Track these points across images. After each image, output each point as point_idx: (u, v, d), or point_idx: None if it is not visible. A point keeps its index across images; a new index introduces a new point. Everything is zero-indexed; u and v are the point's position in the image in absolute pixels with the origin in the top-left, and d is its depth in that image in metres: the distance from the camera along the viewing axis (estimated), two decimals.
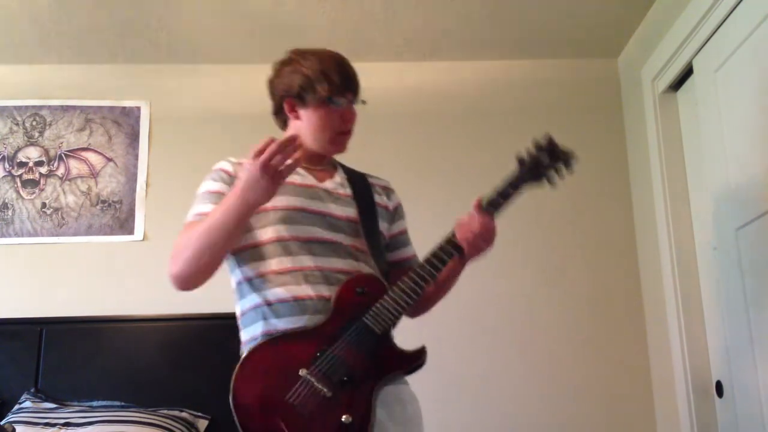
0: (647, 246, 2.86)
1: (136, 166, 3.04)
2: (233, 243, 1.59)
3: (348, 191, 1.74)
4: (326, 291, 1.59)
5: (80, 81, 3.12)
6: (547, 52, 3.12)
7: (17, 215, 2.96)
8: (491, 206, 1.66)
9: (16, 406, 2.54)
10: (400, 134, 3.09)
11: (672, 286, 2.62)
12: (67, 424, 2.40)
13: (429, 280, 1.58)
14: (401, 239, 1.84)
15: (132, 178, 3.02)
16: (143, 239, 2.95)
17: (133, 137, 3.07)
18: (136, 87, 3.12)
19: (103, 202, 2.99)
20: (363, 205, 1.73)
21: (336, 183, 1.74)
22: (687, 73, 2.59)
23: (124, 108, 3.10)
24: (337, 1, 2.73)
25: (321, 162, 1.77)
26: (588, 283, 2.93)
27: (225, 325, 2.80)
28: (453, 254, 1.62)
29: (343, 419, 1.46)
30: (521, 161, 1.70)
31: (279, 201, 1.61)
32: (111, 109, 3.10)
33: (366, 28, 2.92)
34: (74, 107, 3.09)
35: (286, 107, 1.75)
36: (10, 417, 2.46)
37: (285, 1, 2.72)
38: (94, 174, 3.03)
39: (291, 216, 1.63)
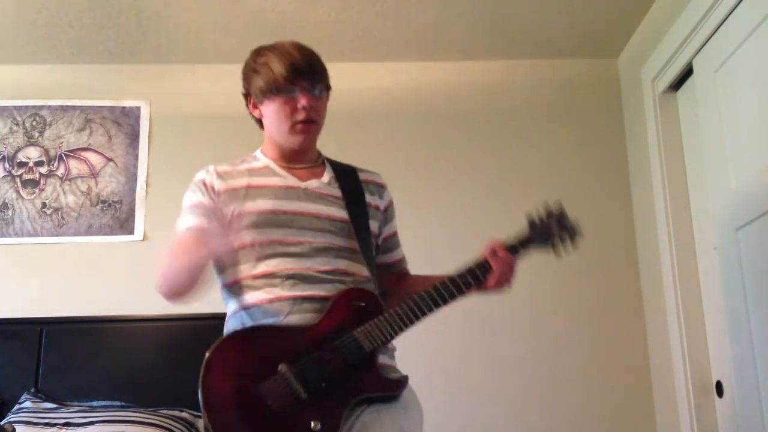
0: (647, 246, 2.86)
1: (136, 166, 3.04)
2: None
3: (336, 191, 1.68)
4: (304, 291, 1.55)
5: (80, 81, 3.11)
6: (547, 52, 3.12)
7: (17, 215, 2.96)
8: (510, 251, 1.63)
9: (16, 406, 2.54)
10: (399, 134, 3.09)
11: (672, 286, 2.62)
12: (67, 424, 2.39)
13: (431, 309, 1.54)
14: (392, 242, 1.81)
15: (132, 178, 3.02)
16: (143, 239, 2.95)
17: (133, 137, 3.07)
18: (136, 87, 3.12)
19: (103, 202, 2.99)
20: (353, 205, 1.67)
21: (322, 183, 1.68)
22: (687, 73, 2.59)
23: (124, 108, 3.10)
24: (336, 2, 2.73)
25: (303, 160, 1.71)
26: (588, 283, 2.93)
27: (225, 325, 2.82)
28: (470, 285, 1.58)
29: (311, 425, 1.43)
30: (532, 224, 1.68)
31: (255, 205, 1.60)
32: (111, 109, 3.10)
33: (366, 29, 2.92)
34: (74, 107, 3.09)
35: (249, 107, 1.75)
36: (10, 417, 2.46)
37: (285, 2, 2.72)
38: (94, 174, 3.03)
39: (267, 219, 1.60)
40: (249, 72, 1.72)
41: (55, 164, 3.03)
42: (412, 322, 1.53)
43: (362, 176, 1.75)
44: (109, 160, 3.04)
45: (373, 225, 1.71)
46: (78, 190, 3.00)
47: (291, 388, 1.46)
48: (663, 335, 2.70)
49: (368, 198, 1.71)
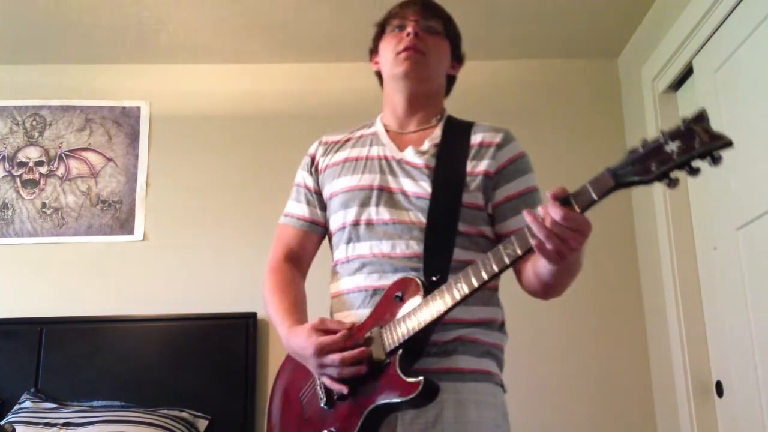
0: (647, 246, 2.86)
1: (136, 166, 3.04)
2: None
3: (430, 161, 1.45)
4: (379, 281, 1.39)
5: (80, 81, 3.12)
6: (547, 52, 3.12)
7: (17, 215, 2.96)
8: (575, 201, 1.22)
9: (16, 406, 2.54)
10: None
11: (672, 286, 2.62)
12: (67, 424, 2.40)
13: (458, 301, 1.24)
14: (511, 206, 1.44)
15: (132, 178, 3.02)
16: (143, 239, 2.95)
17: (133, 137, 3.07)
18: (136, 87, 3.12)
19: (103, 202, 2.99)
20: (442, 177, 1.43)
21: (417, 151, 1.48)
22: (687, 73, 2.59)
23: (124, 108, 3.10)
24: (336, 2, 2.72)
25: (416, 118, 1.54)
26: (588, 283, 2.92)
27: (225, 325, 2.83)
28: (511, 259, 1.20)
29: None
30: (634, 148, 1.13)
31: (348, 181, 1.49)
32: (111, 109, 3.10)
33: (366, 29, 2.91)
34: (74, 107, 3.09)
35: (373, 65, 1.65)
36: (10, 417, 2.46)
37: (285, 2, 2.72)
38: (94, 174, 3.03)
39: (357, 197, 1.46)
40: (376, 28, 1.64)
41: (55, 164, 3.03)
42: (435, 319, 1.25)
43: (474, 137, 1.50)
44: (109, 160, 3.04)
45: (470, 197, 1.43)
46: (78, 190, 3.00)
47: (316, 395, 1.39)
48: (663, 335, 2.70)
49: (469, 165, 1.45)
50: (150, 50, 3.02)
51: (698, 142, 1.07)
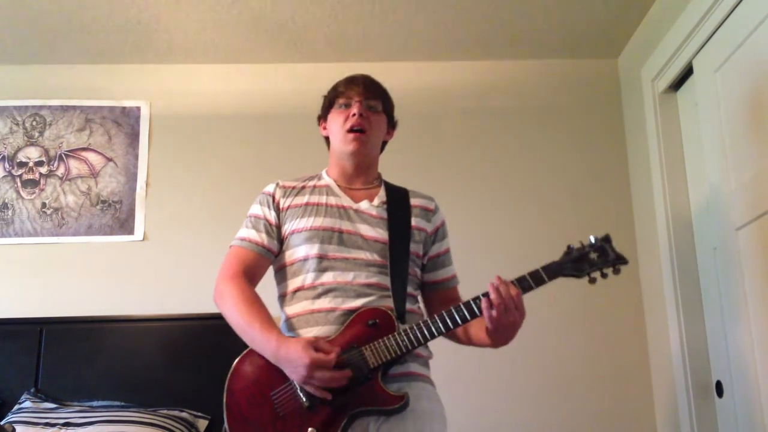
0: (647, 246, 2.86)
1: (136, 166, 3.04)
2: None
3: (383, 213, 1.79)
4: (344, 304, 1.67)
5: (80, 81, 3.12)
6: (547, 52, 3.12)
7: (17, 215, 2.96)
8: (520, 286, 1.62)
9: (16, 406, 2.54)
10: (397, 134, 3.08)
11: (672, 286, 2.62)
12: (67, 424, 2.40)
13: (434, 335, 1.62)
14: (440, 260, 1.88)
15: (132, 178, 3.02)
16: (143, 239, 2.95)
17: (133, 137, 3.07)
18: (136, 87, 3.12)
19: (103, 202, 2.99)
20: (395, 228, 1.78)
21: (371, 205, 1.81)
22: (687, 73, 2.59)
23: (124, 108, 3.10)
24: (336, 2, 2.73)
25: (361, 180, 1.85)
26: (588, 283, 2.93)
27: (225, 325, 2.81)
28: (472, 315, 1.62)
29: (309, 431, 1.56)
30: (569, 251, 1.66)
31: (312, 222, 1.75)
32: (111, 109, 3.10)
33: (366, 29, 2.92)
34: (74, 107, 3.09)
35: (321, 129, 1.93)
36: (10, 417, 2.46)
37: (285, 2, 2.72)
38: (94, 174, 3.03)
39: (318, 235, 1.73)
40: (323, 101, 1.91)
41: (55, 164, 3.03)
42: (414, 346, 1.61)
43: (413, 201, 1.86)
44: (109, 160, 3.04)
45: (415, 247, 1.79)
46: (78, 190, 3.00)
47: (296, 397, 1.59)
48: (663, 335, 2.70)
49: (414, 221, 1.82)
50: (150, 50, 3.03)
51: (611, 257, 1.64)
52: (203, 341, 2.78)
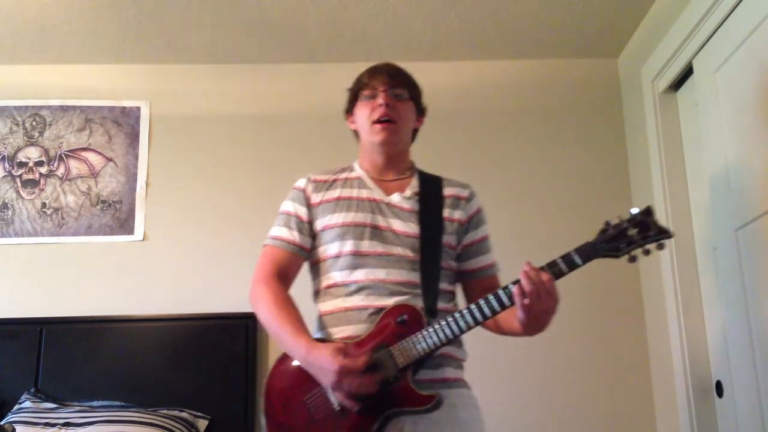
0: None
1: (136, 166, 3.04)
2: None
3: (414, 206, 1.75)
4: (376, 302, 1.63)
5: (80, 81, 3.12)
6: (547, 52, 3.12)
7: (17, 215, 2.96)
8: (551, 271, 1.53)
9: (16, 406, 2.54)
10: None
11: (672, 286, 2.62)
12: (67, 424, 2.40)
13: (463, 330, 1.56)
14: (476, 248, 1.82)
15: (132, 178, 3.02)
16: (143, 239, 2.95)
17: (133, 137, 3.07)
18: (136, 87, 3.12)
19: (103, 202, 2.99)
20: (427, 221, 1.73)
21: (403, 197, 1.76)
22: (687, 73, 2.59)
23: (124, 108, 3.10)
24: (336, 2, 2.73)
25: (393, 170, 1.81)
26: (588, 283, 2.93)
27: (225, 325, 2.83)
28: (501, 305, 1.55)
29: None
30: (605, 228, 1.55)
31: (344, 217, 1.72)
32: (111, 109, 3.10)
33: (366, 29, 2.92)
34: (74, 107, 3.09)
35: (348, 122, 1.87)
36: (10, 417, 2.46)
37: (285, 2, 2.72)
38: (94, 174, 3.03)
39: (352, 231, 1.70)
40: (348, 94, 1.86)
41: (55, 164, 3.03)
42: (443, 343, 1.56)
43: (446, 191, 1.81)
44: (109, 160, 3.04)
45: (448, 238, 1.74)
46: (78, 190, 3.00)
47: (328, 401, 1.56)
48: (663, 335, 2.70)
49: (446, 212, 1.76)
50: (150, 50, 3.03)
51: (653, 232, 1.51)
52: (203, 341, 2.78)
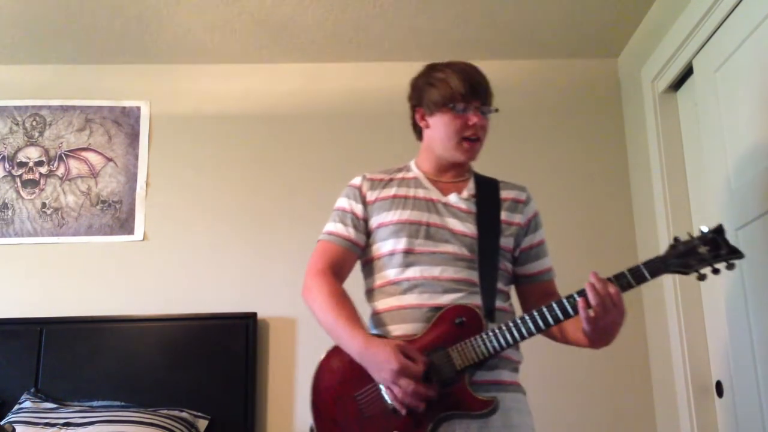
0: (647, 246, 2.86)
1: (136, 166, 3.04)
2: None
3: (471, 207, 1.74)
4: (431, 300, 1.61)
5: (80, 81, 3.12)
6: (547, 52, 3.12)
7: (17, 215, 2.96)
8: (619, 283, 1.53)
9: (16, 406, 2.54)
10: (399, 134, 3.08)
11: (672, 286, 2.62)
12: (67, 424, 2.40)
13: (524, 336, 1.54)
14: (534, 252, 1.80)
15: (132, 178, 3.02)
16: (143, 239, 2.95)
17: (133, 137, 3.07)
18: (136, 87, 3.12)
19: (103, 202, 2.99)
20: (484, 223, 1.72)
21: (460, 198, 1.75)
22: (687, 73, 2.59)
23: (124, 108, 3.10)
24: (336, 2, 2.73)
25: (453, 173, 1.80)
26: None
27: (225, 325, 2.83)
28: (565, 315, 1.52)
29: None
30: (674, 244, 1.53)
31: (399, 215, 1.71)
32: (111, 109, 3.10)
33: (366, 29, 2.92)
34: (74, 107, 3.09)
35: (417, 117, 1.83)
36: (10, 417, 2.46)
37: (285, 2, 2.72)
38: (94, 174, 3.03)
39: (407, 229, 1.69)
40: (423, 84, 1.80)
41: (55, 164, 3.03)
42: (503, 348, 1.54)
43: (503, 193, 1.79)
44: (109, 160, 3.04)
45: (505, 241, 1.72)
46: (78, 190, 3.01)
47: (382, 399, 1.54)
48: (663, 335, 2.70)
49: (504, 215, 1.75)
50: (150, 50, 3.03)
51: (724, 251, 1.49)
52: (203, 341, 2.78)
